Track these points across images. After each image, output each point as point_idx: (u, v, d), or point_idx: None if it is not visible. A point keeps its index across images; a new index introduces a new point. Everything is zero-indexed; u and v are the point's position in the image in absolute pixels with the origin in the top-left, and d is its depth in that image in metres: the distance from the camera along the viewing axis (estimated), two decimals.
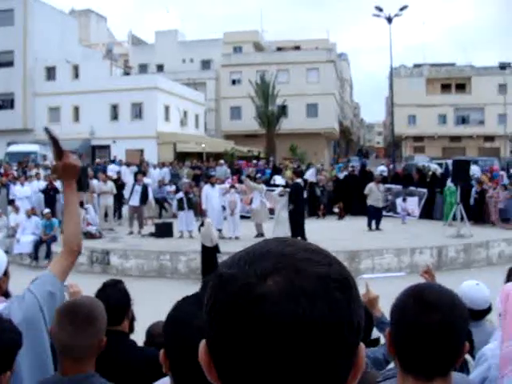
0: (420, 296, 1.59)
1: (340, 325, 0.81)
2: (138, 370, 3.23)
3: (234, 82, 60.29)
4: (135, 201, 19.89)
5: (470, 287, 4.29)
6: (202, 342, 0.87)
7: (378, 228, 20.05)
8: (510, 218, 21.11)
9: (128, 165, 28.24)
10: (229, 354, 0.81)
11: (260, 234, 18.22)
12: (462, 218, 18.56)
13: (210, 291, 0.85)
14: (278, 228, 17.27)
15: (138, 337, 3.86)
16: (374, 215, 20.20)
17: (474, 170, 26.56)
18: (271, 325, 0.78)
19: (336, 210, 24.20)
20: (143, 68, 62.47)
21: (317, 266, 0.84)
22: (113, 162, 32.39)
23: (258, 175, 23.78)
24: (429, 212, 23.44)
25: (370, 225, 20.04)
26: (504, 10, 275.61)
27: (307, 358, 0.79)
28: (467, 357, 3.71)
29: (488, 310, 4.27)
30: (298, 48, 66.44)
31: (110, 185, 21.50)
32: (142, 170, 25.27)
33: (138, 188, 20.06)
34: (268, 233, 17.42)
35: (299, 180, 18.88)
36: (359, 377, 0.87)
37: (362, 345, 0.88)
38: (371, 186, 20.49)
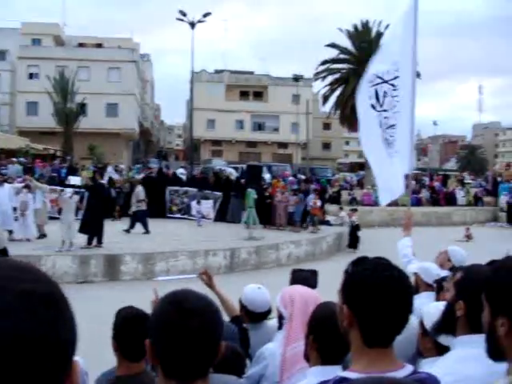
0: (179, 303, 1.65)
1: (45, 340, 0.81)
2: None
3: (31, 75, 57.28)
4: None
5: (252, 290, 4.40)
6: None
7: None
8: (298, 221, 22.41)
9: None
10: None
11: (42, 235, 17.70)
12: (254, 221, 19.35)
13: None
14: (62, 230, 16.37)
15: None
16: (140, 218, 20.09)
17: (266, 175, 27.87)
18: None
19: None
20: None
21: (20, 284, 0.83)
22: None
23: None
24: (223, 215, 24.05)
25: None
26: (301, 25, 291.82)
27: (12, 374, 0.78)
28: None
29: (268, 312, 4.39)
30: (100, 45, 64.94)
31: None
32: None
33: None
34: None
35: (102, 181, 18.50)
36: None
37: (77, 361, 0.90)
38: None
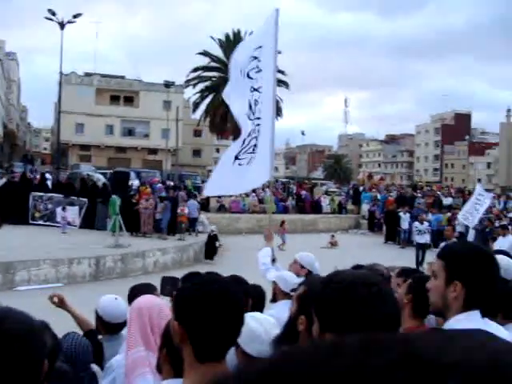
0: None
1: None
2: None
3: None
4: None
5: (108, 301, 4.33)
6: None
7: None
8: (164, 228, 22.29)
9: None
10: None
11: None
12: (120, 229, 19.03)
13: None
14: None
15: None
16: None
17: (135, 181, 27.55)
18: None
19: None
20: None
21: None
22: None
23: None
24: (90, 222, 23.44)
25: None
26: (174, 31, 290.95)
27: None
28: (96, 368, 3.82)
29: (125, 323, 4.21)
30: None
31: None
32: None
33: None
34: None
35: None
36: None
37: None
38: None
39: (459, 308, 2.35)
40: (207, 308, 1.92)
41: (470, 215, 19.39)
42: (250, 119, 6.98)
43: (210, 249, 21.17)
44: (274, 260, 6.40)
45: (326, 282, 1.83)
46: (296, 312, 2.57)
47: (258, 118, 6.92)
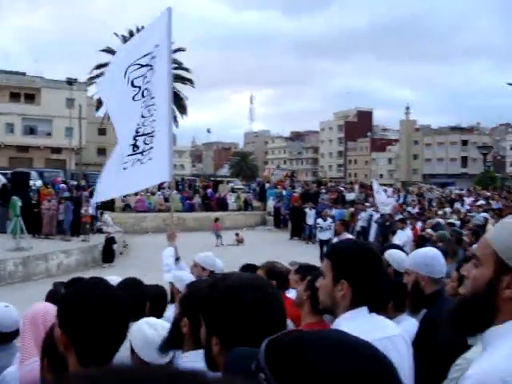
0: None
1: None
2: None
3: None
4: None
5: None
6: None
7: None
8: (67, 229, 21.85)
9: None
10: None
11: None
12: (21, 231, 18.53)
13: None
14: None
15: None
16: None
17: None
18: None
19: None
20: None
21: None
22: None
23: None
24: None
25: None
26: (77, 27, 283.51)
27: None
28: None
29: (17, 332, 4.14)
30: None
31: None
32: None
33: None
34: None
35: None
36: None
37: None
38: None
39: (347, 306, 2.42)
40: (89, 314, 1.91)
41: (383, 204, 20.86)
42: (143, 117, 6.82)
43: (108, 252, 20.51)
44: (178, 259, 6.45)
45: (213, 285, 1.86)
46: (179, 314, 2.59)
47: (144, 117, 6.84)
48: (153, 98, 6.85)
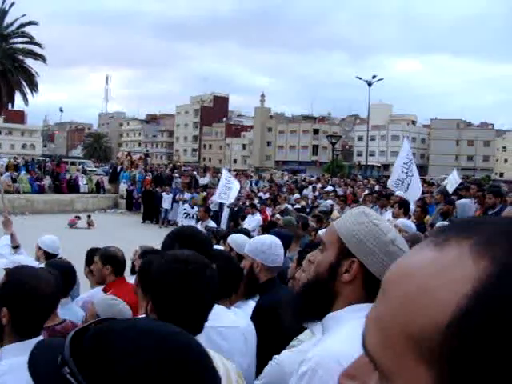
0: None
1: None
2: None
3: None
4: None
5: None
6: None
7: None
8: None
9: None
10: None
11: None
12: None
13: None
14: None
15: None
16: None
17: None
18: None
19: None
20: None
21: None
22: None
23: None
24: None
25: None
26: None
27: None
28: None
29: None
30: None
31: None
32: None
33: None
34: None
35: None
36: None
37: None
38: None
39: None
40: None
41: (224, 194, 21.05)
42: None
43: None
44: (17, 246, 6.02)
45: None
46: None
47: None
48: None
